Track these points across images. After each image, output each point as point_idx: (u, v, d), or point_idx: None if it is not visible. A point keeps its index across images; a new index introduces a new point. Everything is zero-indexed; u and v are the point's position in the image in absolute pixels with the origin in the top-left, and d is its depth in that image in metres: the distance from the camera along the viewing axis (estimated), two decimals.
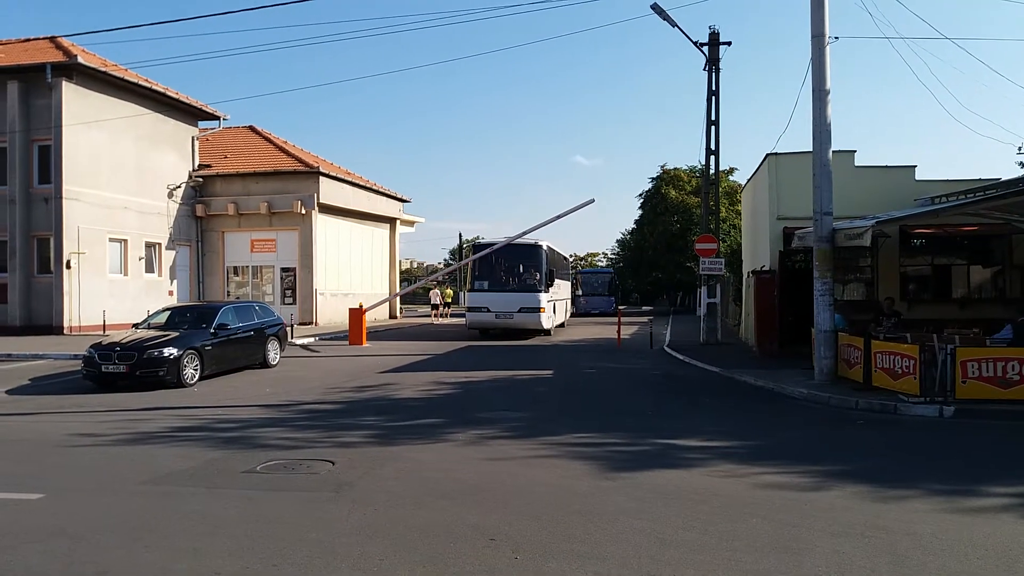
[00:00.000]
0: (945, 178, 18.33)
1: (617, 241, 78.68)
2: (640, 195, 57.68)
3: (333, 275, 32.64)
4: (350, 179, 34.18)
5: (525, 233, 26.22)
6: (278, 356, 17.83)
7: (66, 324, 24.60)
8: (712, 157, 23.78)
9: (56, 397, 13.34)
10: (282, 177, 31.07)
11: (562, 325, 32.13)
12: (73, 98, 24.90)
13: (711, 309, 23.40)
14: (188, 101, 29.94)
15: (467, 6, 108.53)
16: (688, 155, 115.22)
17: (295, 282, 31.34)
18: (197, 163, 31.54)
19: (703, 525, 5.91)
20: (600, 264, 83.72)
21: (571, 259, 51.55)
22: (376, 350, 22.01)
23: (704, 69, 23.29)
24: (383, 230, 38.55)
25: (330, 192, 31.67)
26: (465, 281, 28.34)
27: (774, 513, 6.21)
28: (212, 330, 15.44)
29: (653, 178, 56.41)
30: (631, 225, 64.99)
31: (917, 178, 18.51)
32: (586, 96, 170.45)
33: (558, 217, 26.66)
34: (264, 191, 31.01)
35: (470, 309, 26.36)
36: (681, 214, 51.92)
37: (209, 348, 15.17)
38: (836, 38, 13.93)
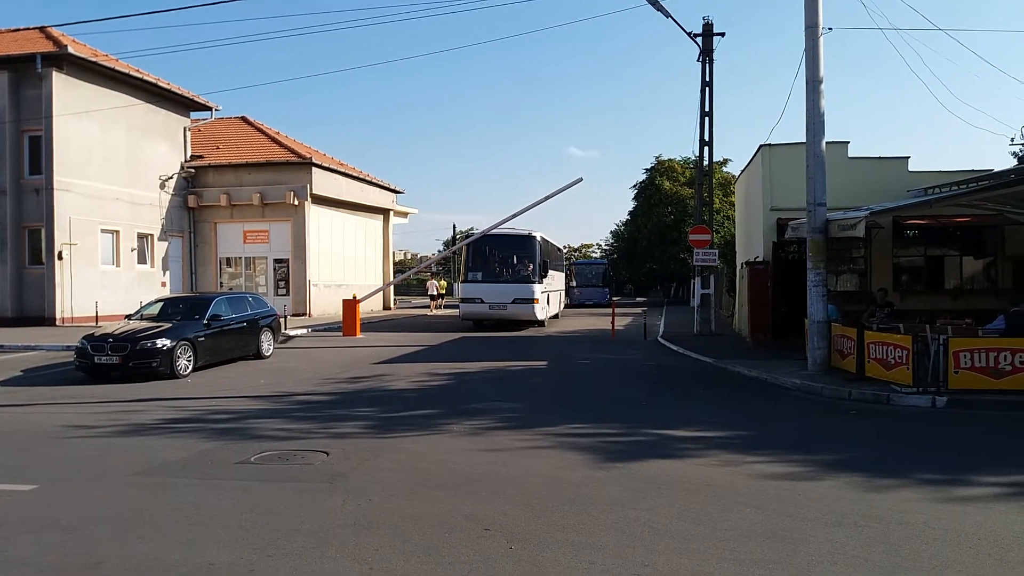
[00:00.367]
0: (938, 169, 18.35)
1: (611, 232, 78.87)
2: (634, 186, 57.70)
3: (326, 266, 32.57)
4: (343, 170, 34.08)
5: (515, 215, 26.30)
6: (271, 347, 17.81)
7: (58, 315, 24.52)
8: (706, 148, 23.78)
9: (49, 388, 13.30)
10: (275, 168, 30.95)
11: (556, 316, 32.16)
12: (64, 89, 24.74)
13: (705, 300, 23.45)
14: (180, 91, 29.77)
15: None
16: (682, 146, 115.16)
17: (288, 273, 31.26)
18: (189, 154, 31.39)
19: (697, 515, 5.93)
20: (594, 255, 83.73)
21: (565, 250, 51.62)
22: (370, 341, 21.98)
23: (698, 60, 23.31)
24: (376, 221, 38.46)
25: (323, 183, 31.57)
26: (459, 272, 28.34)
27: (767, 503, 6.23)
28: (205, 321, 15.39)
29: (647, 169, 56.40)
30: (625, 216, 65.06)
31: (910, 169, 18.53)
32: (580, 88, 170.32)
33: (547, 198, 26.85)
34: (257, 182, 30.89)
35: (464, 300, 26.33)
36: (675, 205, 51.92)
37: (202, 339, 15.13)
38: (830, 29, 13.94)
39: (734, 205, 37.41)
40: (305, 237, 30.75)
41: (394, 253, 43.25)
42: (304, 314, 30.52)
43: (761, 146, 19.66)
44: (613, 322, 24.19)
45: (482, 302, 25.57)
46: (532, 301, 25.37)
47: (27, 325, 24.13)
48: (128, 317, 16.62)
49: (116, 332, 14.48)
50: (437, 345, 20.93)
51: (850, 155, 18.58)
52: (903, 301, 17.85)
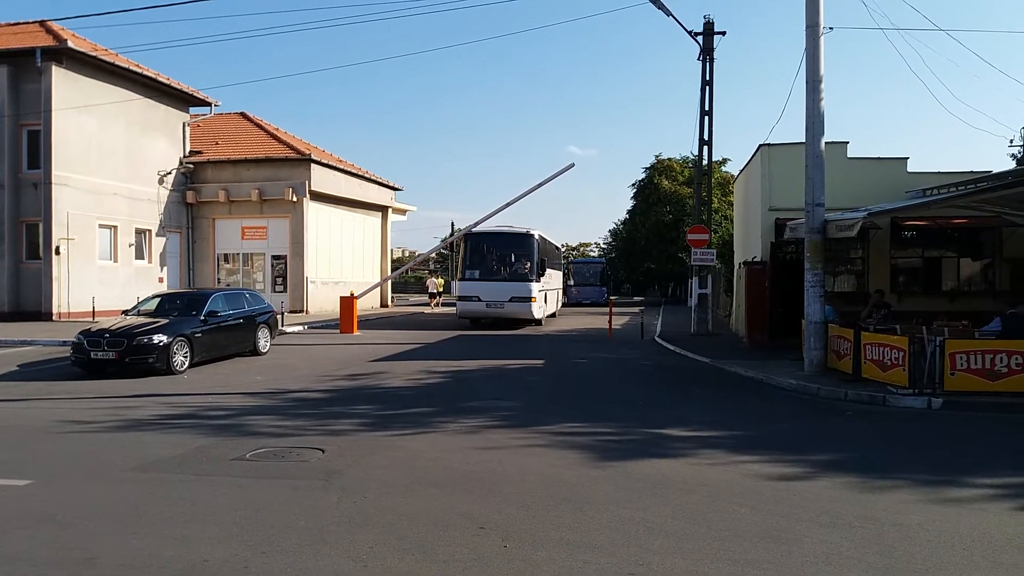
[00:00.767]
0: (937, 170, 18.37)
1: (609, 231, 78.72)
2: (633, 185, 57.65)
3: (324, 263, 32.56)
4: (342, 167, 34.06)
5: (509, 204, 26.54)
6: (268, 344, 17.80)
7: (55, 310, 24.49)
8: (705, 147, 23.77)
9: (45, 383, 13.28)
10: (273, 164, 30.93)
11: (553, 315, 32.16)
12: (63, 83, 24.71)
13: (702, 300, 23.45)
14: (179, 87, 29.74)
15: None
16: (681, 145, 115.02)
17: (286, 270, 31.24)
18: (188, 149, 31.36)
19: (692, 514, 5.93)
20: (592, 254, 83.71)
21: (563, 249, 51.58)
22: (367, 338, 21.98)
23: (698, 59, 23.30)
24: (375, 218, 38.44)
25: (322, 179, 31.55)
26: (456, 270, 28.42)
27: (763, 503, 6.24)
28: (202, 317, 15.39)
29: (646, 168, 56.34)
30: (624, 215, 65.03)
31: (909, 170, 18.53)
32: (580, 86, 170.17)
33: (539, 185, 27.05)
34: (255, 178, 30.86)
35: (461, 298, 26.29)
36: (674, 204, 51.90)
37: (199, 335, 15.12)
38: (831, 28, 13.93)
39: (733, 205, 37.41)
40: (303, 234, 30.73)
41: (392, 251, 43.24)
42: (302, 311, 30.51)
43: (760, 146, 19.67)
44: (610, 321, 24.19)
45: (479, 300, 25.54)
46: (529, 300, 25.36)
47: (24, 320, 24.11)
48: (125, 313, 16.60)
49: (113, 327, 14.46)
50: (434, 343, 20.93)
51: (849, 155, 18.58)
52: (900, 302, 17.86)
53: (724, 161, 50.32)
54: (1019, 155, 38.77)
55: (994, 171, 16.50)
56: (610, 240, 77.38)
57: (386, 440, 8.66)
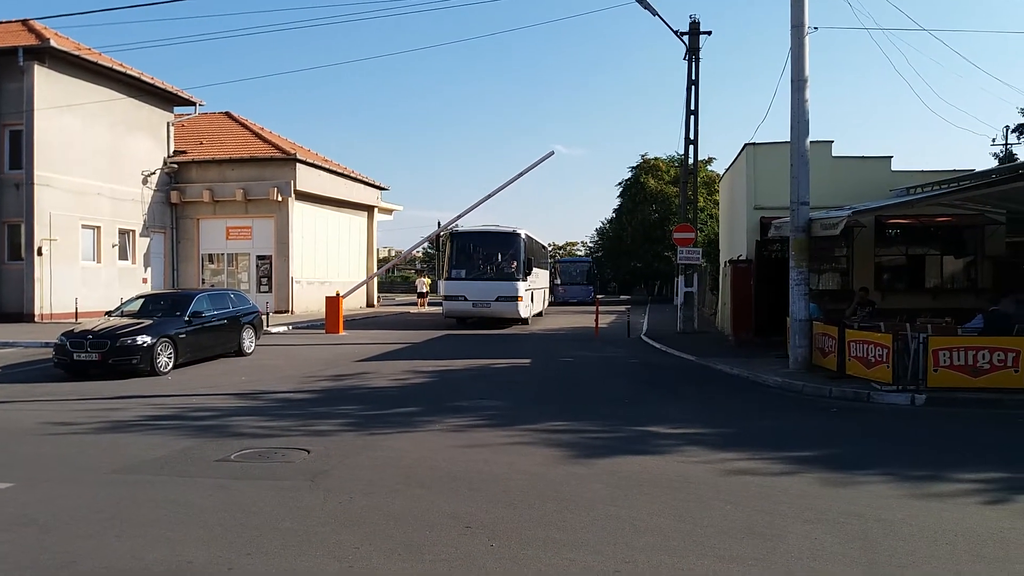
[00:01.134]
0: (920, 169, 18.50)
1: (596, 230, 78.80)
2: (619, 184, 57.83)
3: (310, 263, 32.43)
4: (327, 166, 33.92)
5: (489, 196, 26.74)
6: (253, 344, 17.70)
7: (37, 311, 24.25)
8: (691, 147, 23.83)
9: (27, 385, 13.16)
10: (258, 164, 30.75)
11: (540, 314, 32.17)
12: (45, 82, 24.47)
13: (688, 298, 23.52)
14: (163, 86, 29.52)
15: None
16: (667, 144, 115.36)
17: (271, 270, 31.09)
18: (172, 149, 31.13)
19: (678, 512, 5.94)
20: (579, 253, 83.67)
21: (550, 248, 51.59)
22: (353, 339, 21.91)
23: (684, 59, 23.35)
24: (361, 218, 38.32)
25: (307, 179, 31.41)
26: (442, 270, 28.47)
27: (748, 500, 6.26)
28: (186, 318, 15.29)
29: (632, 167, 56.52)
30: (610, 214, 65.17)
31: (893, 168, 18.67)
32: (566, 86, 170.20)
33: (520, 175, 27.17)
34: (240, 178, 30.68)
35: (447, 298, 26.22)
36: (659, 203, 52.10)
37: (183, 336, 15.02)
38: (815, 28, 14.01)
39: (718, 204, 37.54)
40: (288, 233, 30.59)
41: (379, 250, 43.13)
42: (287, 311, 30.37)
43: (746, 145, 19.75)
44: (597, 320, 24.22)
45: (466, 299, 25.49)
46: (516, 299, 25.34)
47: (5, 321, 23.84)
48: (108, 313, 16.48)
49: (96, 329, 14.34)
50: (420, 343, 20.89)
51: (834, 154, 18.70)
52: (884, 300, 17.99)
53: (710, 160, 50.55)
54: (1001, 153, 39.18)
55: (977, 169, 16.67)
56: (597, 239, 77.47)
57: (372, 440, 8.63)
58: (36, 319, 24.13)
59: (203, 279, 31.59)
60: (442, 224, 32.61)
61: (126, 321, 14.89)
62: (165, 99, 30.43)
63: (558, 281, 48.71)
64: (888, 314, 15.02)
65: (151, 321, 14.78)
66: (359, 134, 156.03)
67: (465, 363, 16.03)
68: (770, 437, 9.05)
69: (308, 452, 7.91)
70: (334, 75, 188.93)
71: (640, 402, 11.53)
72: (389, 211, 43.34)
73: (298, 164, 30.64)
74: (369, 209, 39.00)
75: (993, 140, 41.30)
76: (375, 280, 41.66)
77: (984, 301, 15.31)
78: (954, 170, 17.51)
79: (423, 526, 5.61)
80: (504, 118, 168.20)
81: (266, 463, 7.60)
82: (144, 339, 14.00)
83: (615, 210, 60.32)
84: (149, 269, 29.79)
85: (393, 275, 64.03)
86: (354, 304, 34.69)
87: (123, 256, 28.51)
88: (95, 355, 13.68)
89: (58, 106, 24.59)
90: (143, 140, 29.29)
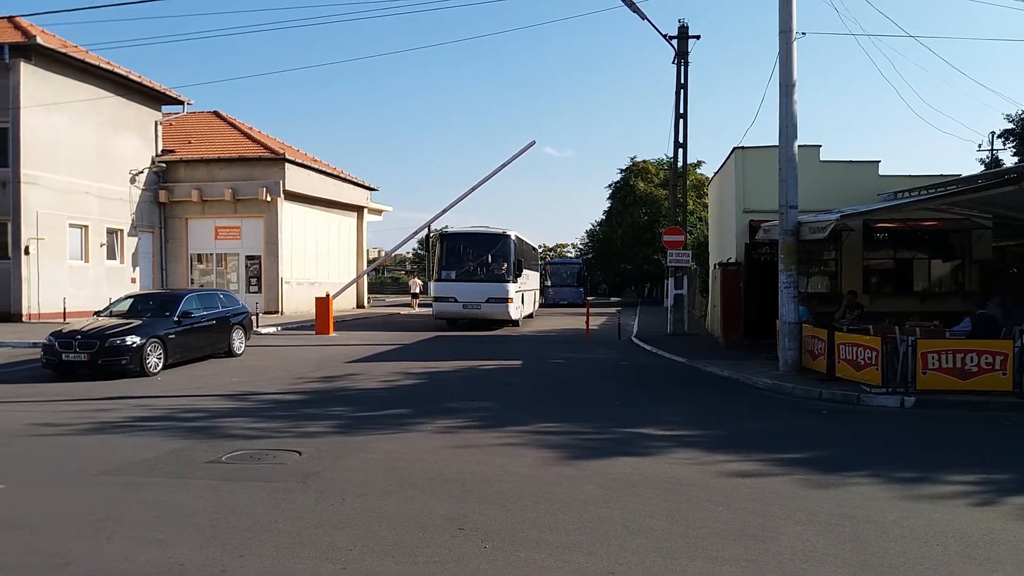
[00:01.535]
0: (908, 173, 18.64)
1: (586, 232, 79.07)
2: (609, 186, 58.00)
3: (299, 263, 32.32)
4: (316, 166, 33.84)
5: (473, 189, 27.31)
6: (243, 345, 17.64)
7: (24, 311, 24.07)
8: (680, 150, 23.94)
9: (15, 386, 13.05)
10: (247, 163, 30.63)
11: (531, 316, 32.18)
12: (32, 80, 24.30)
13: (678, 301, 23.61)
14: (151, 85, 29.36)
15: None
16: (657, 148, 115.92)
17: (260, 270, 30.97)
18: (160, 148, 30.97)
19: (670, 513, 5.96)
20: (569, 255, 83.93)
21: (540, 250, 51.68)
22: (343, 340, 21.86)
23: (673, 62, 23.45)
24: (350, 218, 38.24)
25: (296, 179, 31.32)
26: (432, 271, 28.52)
27: (739, 501, 6.29)
28: (176, 318, 15.22)
29: (622, 170, 56.71)
30: (600, 216, 65.33)
31: (881, 173, 18.80)
32: (556, 88, 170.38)
33: (502, 166, 27.51)
34: (229, 177, 30.54)
35: (437, 299, 26.18)
36: (649, 206, 52.26)
37: (172, 336, 14.94)
38: (803, 34, 14.09)
39: (707, 207, 37.69)
40: (278, 233, 30.49)
41: (368, 251, 43.03)
42: (276, 312, 30.26)
43: (735, 148, 19.84)
44: (587, 322, 24.26)
45: (456, 301, 25.47)
46: (506, 300, 25.33)
47: None
48: (97, 314, 16.37)
49: (84, 329, 14.25)
50: (411, 344, 20.86)
51: (822, 158, 18.82)
52: (873, 303, 18.10)
53: (699, 163, 50.76)
54: (987, 159, 39.49)
55: (963, 175, 16.81)
56: (587, 241, 77.69)
57: (363, 442, 8.61)
58: (23, 319, 23.95)
59: (192, 279, 31.44)
60: (429, 221, 32.76)
61: (115, 321, 14.80)
62: (153, 98, 30.28)
63: (548, 283, 48.77)
64: (877, 317, 15.12)
65: (140, 321, 14.69)
66: (349, 135, 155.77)
67: (456, 364, 16.02)
68: (761, 439, 9.09)
69: (299, 454, 7.88)
70: (324, 75, 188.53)
71: (631, 404, 11.55)
72: (379, 212, 43.27)
73: (287, 164, 30.55)
74: (359, 209, 38.93)
75: (979, 146, 41.70)
76: (365, 281, 41.58)
77: (972, 304, 15.44)
78: (941, 175, 17.66)
79: (416, 528, 5.61)
80: (495, 120, 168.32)
81: (257, 465, 7.58)
82: (133, 339, 13.92)
83: (605, 212, 60.53)
84: (137, 269, 29.62)
85: (383, 276, 63.89)
86: (344, 305, 34.62)
87: (111, 256, 28.34)
88: (84, 355, 13.59)
89: (45, 104, 24.43)
90: (131, 139, 29.13)
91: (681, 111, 23.47)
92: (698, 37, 23.48)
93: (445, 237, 27.28)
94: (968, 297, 18.08)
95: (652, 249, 47.90)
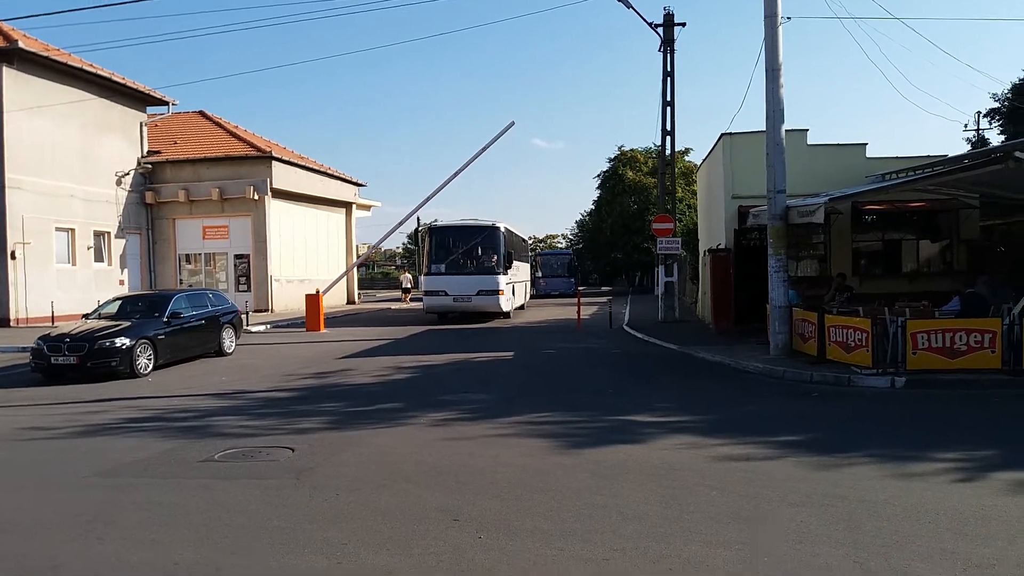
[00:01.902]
0: (895, 155, 18.67)
1: (576, 223, 79.10)
2: (598, 176, 57.97)
3: (288, 261, 32.22)
4: (303, 163, 33.71)
5: (455, 175, 27.53)
6: (233, 344, 17.58)
7: (12, 316, 23.93)
8: (668, 138, 23.94)
9: (3, 391, 12.96)
10: (234, 162, 30.50)
11: (522, 307, 32.16)
12: (14, 84, 24.09)
13: (668, 288, 23.64)
14: (135, 86, 29.15)
15: None
16: (644, 136, 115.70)
17: (249, 269, 30.87)
18: (146, 149, 30.78)
19: (664, 499, 5.97)
20: (559, 246, 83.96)
21: (530, 241, 51.65)
22: (334, 336, 21.81)
23: (659, 50, 23.43)
24: (339, 215, 38.13)
25: (283, 177, 31.19)
26: (421, 265, 28.46)
27: (733, 485, 6.30)
28: (165, 319, 15.15)
29: (611, 159, 56.68)
30: (590, 207, 65.31)
31: (868, 155, 18.82)
32: (543, 79, 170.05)
33: (483, 149, 27.84)
34: (215, 177, 30.41)
35: (427, 293, 26.11)
36: (638, 195, 52.27)
37: (162, 337, 14.88)
38: (788, 18, 14.12)
39: (696, 194, 37.72)
40: (266, 232, 30.38)
41: (357, 247, 42.90)
42: (266, 310, 30.18)
43: (722, 135, 19.84)
44: (579, 312, 24.27)
45: (446, 294, 25.41)
46: (497, 293, 25.29)
47: None
48: (85, 316, 16.29)
49: (73, 332, 14.17)
50: (402, 338, 20.83)
51: (809, 142, 18.82)
52: (862, 285, 18.15)
53: (687, 151, 50.77)
54: (973, 139, 39.63)
55: (951, 155, 16.85)
56: (577, 231, 77.74)
57: (356, 436, 8.59)
58: (11, 323, 23.81)
59: (181, 279, 31.32)
60: (412, 211, 32.72)
61: (104, 323, 14.72)
62: (137, 99, 30.07)
63: (539, 274, 48.79)
64: (866, 299, 15.16)
65: (129, 323, 14.62)
66: (336, 131, 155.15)
67: (447, 358, 16.00)
68: (753, 423, 9.11)
69: (292, 450, 7.86)
70: (309, 72, 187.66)
71: (624, 392, 11.56)
72: (367, 207, 43.18)
73: (274, 162, 30.44)
74: (347, 206, 38.82)
75: (965, 126, 41.72)
76: (356, 277, 41.49)
77: (960, 284, 15.46)
78: (928, 156, 17.68)
79: (411, 520, 5.60)
80: (482, 113, 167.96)
81: (250, 462, 7.55)
82: (123, 341, 13.85)
83: (594, 202, 60.50)
84: (126, 271, 29.46)
85: (374, 272, 63.72)
86: (335, 301, 34.53)
87: (99, 258, 28.18)
88: (73, 358, 13.51)
89: (28, 108, 24.22)
90: (116, 141, 28.93)
91: (668, 99, 23.46)
92: (684, 24, 23.46)
93: (434, 231, 27.21)
94: (956, 277, 18.12)
95: (642, 238, 47.91)
